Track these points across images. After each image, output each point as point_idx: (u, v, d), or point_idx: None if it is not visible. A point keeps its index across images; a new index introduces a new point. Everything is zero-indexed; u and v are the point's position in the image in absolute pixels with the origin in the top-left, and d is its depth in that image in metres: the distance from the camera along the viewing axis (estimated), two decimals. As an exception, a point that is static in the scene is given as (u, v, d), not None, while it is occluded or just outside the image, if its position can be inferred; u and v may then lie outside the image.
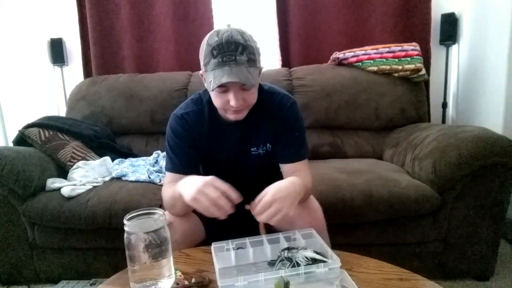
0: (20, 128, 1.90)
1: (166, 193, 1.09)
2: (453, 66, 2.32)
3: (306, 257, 0.84)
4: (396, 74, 2.07)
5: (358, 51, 2.13)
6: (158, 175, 1.77)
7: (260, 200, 0.89)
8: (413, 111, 2.07)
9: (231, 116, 1.04)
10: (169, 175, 1.13)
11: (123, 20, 2.40)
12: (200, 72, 1.05)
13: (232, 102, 0.97)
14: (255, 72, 0.98)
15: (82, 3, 2.43)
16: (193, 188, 0.90)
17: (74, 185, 1.65)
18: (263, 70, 1.11)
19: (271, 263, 0.89)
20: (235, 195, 0.90)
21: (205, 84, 1.06)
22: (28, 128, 1.88)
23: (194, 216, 1.15)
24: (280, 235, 0.96)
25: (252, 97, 1.03)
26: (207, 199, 0.88)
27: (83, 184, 1.67)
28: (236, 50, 0.93)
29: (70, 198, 1.58)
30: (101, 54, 2.44)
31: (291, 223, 1.06)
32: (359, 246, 1.49)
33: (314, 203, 1.12)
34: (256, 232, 0.99)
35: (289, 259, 0.85)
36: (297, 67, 2.25)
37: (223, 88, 0.97)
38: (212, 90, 0.98)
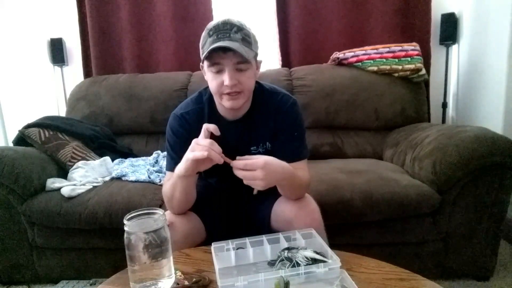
0: (20, 128, 1.90)
1: (166, 187, 1.09)
2: (453, 66, 2.32)
3: (306, 257, 0.84)
4: (396, 74, 2.07)
5: (358, 51, 2.13)
6: (158, 175, 1.77)
7: (249, 158, 0.93)
8: (413, 111, 2.07)
9: (226, 103, 1.04)
10: (169, 174, 1.12)
11: (123, 20, 2.40)
12: (201, 63, 1.06)
13: (226, 81, 0.98)
14: (250, 52, 1.00)
15: (82, 3, 2.43)
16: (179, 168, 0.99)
17: (74, 185, 1.65)
18: (263, 70, 1.11)
19: (271, 263, 0.89)
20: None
21: (204, 74, 1.07)
22: (28, 128, 1.87)
23: (196, 216, 1.15)
24: (280, 235, 0.96)
25: (247, 81, 1.03)
26: (194, 150, 0.93)
27: (83, 184, 1.67)
28: (231, 29, 0.97)
29: (70, 198, 1.58)
30: (101, 54, 2.44)
31: (288, 223, 1.06)
32: (359, 246, 1.50)
33: (312, 204, 1.12)
34: (256, 232, 0.99)
35: (289, 259, 0.85)
36: (297, 67, 2.25)
37: (218, 66, 0.99)
38: (207, 68, 1.01)
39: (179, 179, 1.01)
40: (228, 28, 0.97)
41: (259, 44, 1.07)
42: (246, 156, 0.95)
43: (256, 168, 0.91)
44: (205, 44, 0.99)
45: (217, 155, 0.91)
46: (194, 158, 0.93)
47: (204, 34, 1.01)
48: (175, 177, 1.03)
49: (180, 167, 0.99)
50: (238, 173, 0.93)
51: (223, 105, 1.06)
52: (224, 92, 1.01)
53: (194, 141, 0.95)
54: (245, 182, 0.93)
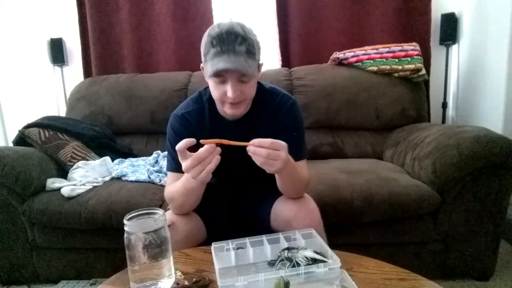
0: (20, 128, 1.90)
1: (173, 192, 1.07)
2: (453, 66, 2.32)
3: (306, 257, 0.84)
4: (396, 74, 2.07)
5: (358, 51, 2.13)
6: (158, 175, 1.77)
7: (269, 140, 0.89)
8: (413, 111, 2.07)
9: (228, 111, 1.04)
10: (171, 175, 1.12)
11: (123, 20, 2.40)
12: (201, 64, 1.06)
13: (229, 93, 0.98)
14: (254, 64, 0.99)
15: (82, 3, 2.43)
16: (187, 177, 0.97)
17: (74, 185, 1.65)
18: (263, 70, 1.11)
19: (271, 263, 0.89)
20: (187, 141, 0.89)
21: (205, 77, 1.07)
22: (28, 128, 1.88)
23: (196, 216, 1.15)
24: (280, 235, 0.96)
25: (250, 90, 1.03)
26: (198, 170, 0.89)
27: (83, 184, 1.67)
28: (235, 41, 0.95)
29: (70, 198, 1.58)
30: (101, 54, 2.45)
31: (288, 223, 1.06)
32: (359, 246, 1.49)
33: (311, 203, 1.12)
34: (256, 232, 0.99)
35: (289, 259, 0.84)
36: (297, 67, 2.25)
37: (221, 78, 0.98)
38: (210, 78, 1.00)
39: (199, 187, 1.00)
40: (232, 39, 0.94)
41: (260, 42, 1.05)
42: (264, 141, 0.90)
43: (280, 148, 0.90)
44: (208, 54, 0.97)
45: (212, 166, 0.89)
46: (202, 181, 0.92)
47: (206, 40, 0.98)
48: (190, 186, 1.00)
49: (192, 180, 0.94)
50: (260, 152, 0.88)
51: (225, 111, 1.06)
52: (227, 101, 1.02)
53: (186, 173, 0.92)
54: (261, 161, 0.89)
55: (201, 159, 0.88)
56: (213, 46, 0.96)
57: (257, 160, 0.90)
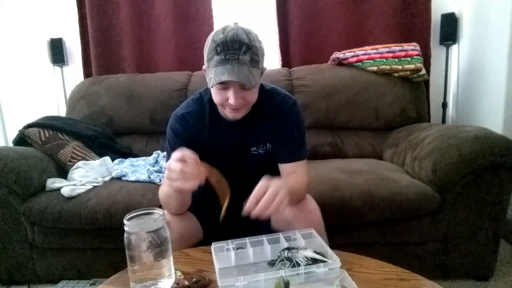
0: (20, 128, 1.90)
1: (162, 191, 1.10)
2: (453, 66, 2.32)
3: (306, 257, 0.84)
4: (396, 74, 2.07)
5: (358, 51, 2.13)
6: (158, 175, 1.77)
7: (257, 194, 0.86)
8: (413, 111, 2.07)
9: (229, 114, 1.05)
10: None
11: (123, 20, 2.40)
12: (203, 66, 1.05)
13: (231, 100, 0.98)
14: (257, 73, 0.99)
15: (82, 3, 2.43)
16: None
17: (74, 185, 1.65)
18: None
19: (271, 263, 0.89)
20: (187, 155, 0.87)
21: (207, 79, 1.07)
22: (28, 128, 1.88)
23: (192, 216, 1.16)
24: (280, 235, 0.96)
25: (252, 96, 1.04)
26: (175, 174, 0.86)
27: (83, 184, 1.67)
28: (239, 49, 0.94)
29: (70, 198, 1.58)
30: (101, 54, 2.44)
31: (288, 224, 1.06)
32: (359, 246, 1.49)
33: (312, 204, 1.12)
34: (256, 232, 0.99)
35: (289, 259, 0.85)
36: (297, 67, 2.25)
37: (223, 85, 0.98)
38: (212, 87, 0.99)
39: (175, 193, 1.01)
40: (237, 48, 0.93)
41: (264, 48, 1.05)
42: (253, 194, 0.86)
43: (278, 190, 0.85)
44: (212, 60, 0.96)
45: (192, 182, 0.87)
46: (177, 189, 0.91)
47: (210, 46, 0.97)
48: (171, 190, 1.00)
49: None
50: (267, 210, 0.84)
51: (226, 114, 1.07)
52: (228, 107, 1.02)
53: (168, 167, 0.89)
54: (271, 211, 0.84)
55: (183, 175, 0.85)
56: (217, 53, 0.95)
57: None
